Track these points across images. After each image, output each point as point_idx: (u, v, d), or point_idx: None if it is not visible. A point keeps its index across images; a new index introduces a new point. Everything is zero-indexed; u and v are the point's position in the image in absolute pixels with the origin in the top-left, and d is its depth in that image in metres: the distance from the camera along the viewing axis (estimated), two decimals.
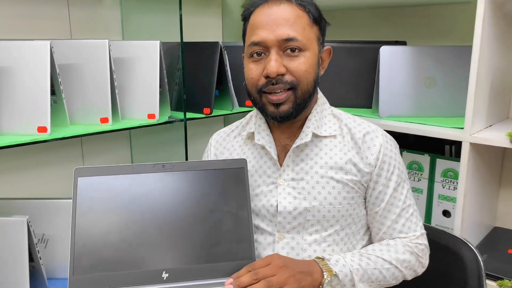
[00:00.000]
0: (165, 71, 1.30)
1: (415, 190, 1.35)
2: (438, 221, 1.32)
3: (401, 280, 0.87)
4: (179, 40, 1.30)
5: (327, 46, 0.91)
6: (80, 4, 1.35)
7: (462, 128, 1.10)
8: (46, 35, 1.28)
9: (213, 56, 1.37)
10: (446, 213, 1.30)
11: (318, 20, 0.86)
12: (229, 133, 1.01)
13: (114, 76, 1.18)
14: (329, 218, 0.87)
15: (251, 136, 0.95)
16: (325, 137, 0.89)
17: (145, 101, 1.27)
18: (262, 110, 0.88)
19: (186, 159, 1.42)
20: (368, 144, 0.88)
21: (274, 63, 0.81)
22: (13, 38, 1.20)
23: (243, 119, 1.02)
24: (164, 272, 0.79)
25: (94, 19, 1.39)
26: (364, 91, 1.43)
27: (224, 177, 0.86)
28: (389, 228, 0.89)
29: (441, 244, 1.02)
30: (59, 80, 1.09)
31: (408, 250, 0.87)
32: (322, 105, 0.93)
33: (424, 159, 1.33)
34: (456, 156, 1.31)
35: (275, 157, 0.89)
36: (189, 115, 1.38)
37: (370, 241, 0.94)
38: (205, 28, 1.73)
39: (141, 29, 1.48)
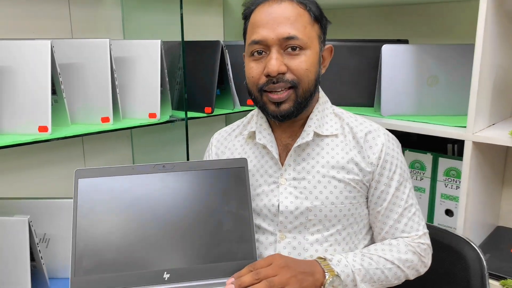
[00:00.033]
0: (166, 70, 1.29)
1: (417, 189, 1.35)
2: (440, 220, 1.31)
3: (403, 280, 0.87)
4: (180, 39, 1.30)
5: (329, 45, 0.91)
6: (81, 3, 1.35)
7: (465, 126, 1.09)
8: (47, 34, 1.28)
9: (214, 55, 1.37)
10: (448, 212, 1.30)
11: (319, 18, 0.85)
12: (230, 133, 1.00)
13: (115, 75, 1.18)
14: (331, 217, 0.86)
15: (252, 135, 0.94)
16: (326, 136, 0.89)
17: (146, 100, 1.27)
18: (263, 109, 0.87)
19: (187, 158, 1.42)
20: (370, 143, 0.88)
21: (275, 62, 0.81)
22: (14, 37, 1.20)
23: (244, 118, 1.02)
24: (165, 272, 0.79)
25: (95, 18, 1.39)
26: (366, 90, 1.43)
27: (225, 177, 0.86)
28: (392, 227, 0.88)
29: (443, 244, 1.01)
30: (60, 79, 1.09)
31: (410, 250, 0.86)
32: (323, 104, 0.92)
33: (426, 158, 1.32)
34: (459, 155, 1.31)
35: (277, 156, 0.89)
36: (190, 114, 1.38)
37: (372, 241, 0.93)
38: (206, 27, 1.73)
39: (142, 28, 1.48)
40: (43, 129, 1.05)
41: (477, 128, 1.08)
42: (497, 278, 1.08)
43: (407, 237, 0.88)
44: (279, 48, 0.82)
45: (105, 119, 1.18)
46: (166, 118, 1.31)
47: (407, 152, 1.36)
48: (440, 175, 1.30)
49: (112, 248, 0.79)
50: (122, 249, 0.79)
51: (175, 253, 0.80)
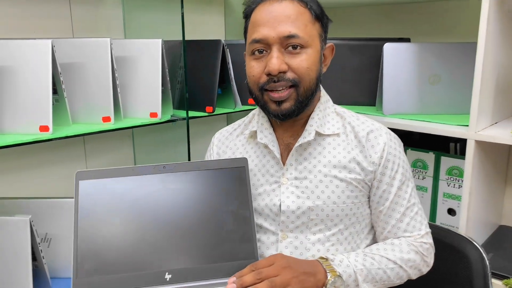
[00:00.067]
0: (167, 70, 1.29)
1: (419, 188, 1.34)
2: (443, 219, 1.31)
3: (405, 280, 0.86)
4: (181, 38, 1.29)
5: (330, 43, 0.90)
6: (81, 3, 1.35)
7: (467, 125, 1.09)
8: (47, 34, 1.28)
9: (215, 54, 1.37)
10: (451, 212, 1.29)
11: (320, 16, 0.85)
12: (231, 132, 1.00)
13: (116, 74, 1.18)
14: (333, 217, 0.86)
15: (253, 134, 0.94)
16: (328, 135, 0.89)
17: (147, 99, 1.27)
18: (264, 108, 0.87)
19: (189, 157, 1.42)
20: (372, 143, 0.87)
21: (275, 61, 0.80)
22: (15, 37, 1.19)
23: (245, 117, 1.01)
24: (167, 273, 0.79)
25: (96, 17, 1.39)
26: (368, 88, 1.42)
27: (225, 177, 0.85)
28: (394, 227, 0.88)
29: (446, 243, 1.01)
30: (61, 79, 1.09)
31: (413, 250, 0.86)
32: (325, 103, 0.92)
33: (428, 157, 1.31)
34: (461, 153, 1.30)
35: (278, 156, 0.89)
36: (192, 113, 1.37)
37: (374, 240, 0.93)
38: (207, 26, 1.73)
39: (143, 28, 1.48)
40: (44, 128, 1.05)
41: (479, 127, 1.08)
42: (500, 277, 1.07)
43: (409, 236, 0.88)
44: (280, 46, 0.81)
45: (106, 119, 1.18)
46: (167, 117, 1.31)
47: (409, 151, 1.35)
48: (443, 174, 1.29)
49: (114, 250, 0.79)
50: (124, 250, 0.79)
51: (177, 253, 0.80)
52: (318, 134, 0.88)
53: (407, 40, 1.41)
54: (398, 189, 0.87)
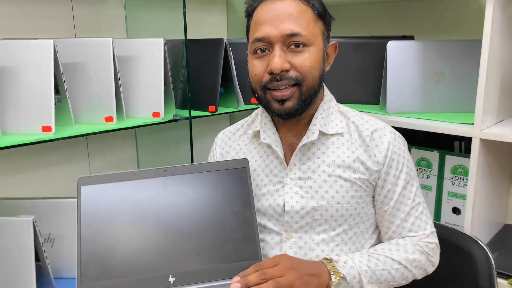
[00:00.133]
0: (169, 69, 1.29)
1: (424, 187, 1.33)
2: (447, 218, 1.30)
3: (411, 280, 0.86)
4: (183, 38, 1.29)
5: (333, 41, 0.89)
6: (83, 3, 1.34)
7: (472, 123, 1.08)
8: (50, 34, 1.28)
9: (217, 53, 1.36)
10: (456, 211, 1.28)
11: (323, 14, 0.84)
12: (234, 132, 1.00)
13: (118, 74, 1.18)
14: (337, 217, 0.85)
15: (257, 134, 0.93)
16: (332, 135, 0.88)
17: (150, 99, 1.26)
18: (267, 107, 0.87)
19: (192, 157, 1.41)
20: (376, 142, 0.87)
21: (278, 59, 0.80)
22: (17, 37, 1.19)
23: (248, 117, 1.01)
24: (171, 276, 0.79)
25: (98, 17, 1.39)
26: (371, 87, 1.41)
27: (227, 178, 0.85)
28: (399, 227, 0.87)
29: (451, 242, 1.00)
30: (63, 79, 1.09)
31: (418, 250, 0.85)
32: (328, 102, 0.91)
33: (433, 156, 1.31)
34: (466, 152, 1.29)
35: (282, 156, 0.88)
36: (194, 113, 1.37)
37: (378, 240, 0.92)
38: (210, 25, 1.73)
39: (145, 27, 1.48)
40: (46, 129, 1.05)
41: (484, 125, 1.07)
42: (506, 277, 1.06)
43: (414, 236, 0.87)
44: (282, 45, 0.81)
45: (108, 119, 1.18)
46: (170, 117, 1.31)
47: (413, 149, 1.34)
48: (447, 173, 1.28)
49: (117, 254, 0.79)
50: (127, 255, 0.79)
51: (180, 256, 0.80)
52: (321, 133, 0.88)
53: (411, 38, 1.40)
54: (403, 189, 0.87)
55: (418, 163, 1.34)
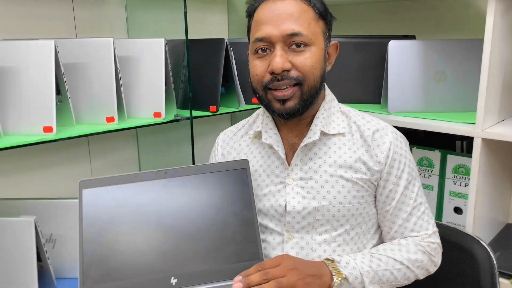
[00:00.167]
0: (170, 69, 1.29)
1: (425, 187, 1.33)
2: (449, 218, 1.30)
3: (413, 280, 0.86)
4: (184, 38, 1.29)
5: (334, 41, 0.89)
6: (84, 3, 1.34)
7: (474, 123, 1.08)
8: (51, 34, 1.28)
9: (218, 53, 1.36)
10: (457, 210, 1.28)
11: (324, 14, 0.84)
12: (236, 132, 1.00)
13: (120, 74, 1.18)
14: (339, 217, 0.85)
15: (258, 135, 0.93)
16: (333, 135, 0.88)
17: (151, 99, 1.26)
18: (268, 107, 0.86)
19: (193, 157, 1.41)
20: (378, 142, 0.86)
21: (279, 59, 0.80)
22: (18, 37, 1.20)
23: (249, 117, 1.01)
24: (172, 277, 0.79)
25: (99, 17, 1.39)
26: (373, 86, 1.41)
27: (227, 179, 0.86)
28: (401, 227, 0.87)
29: (452, 242, 1.00)
30: (64, 79, 1.09)
31: (420, 250, 0.85)
32: (330, 102, 0.91)
33: (434, 155, 1.30)
34: (468, 151, 1.29)
35: (283, 156, 0.88)
36: (195, 113, 1.37)
37: (380, 240, 0.92)
38: (211, 25, 1.72)
39: (146, 27, 1.48)
40: (48, 129, 1.05)
41: (486, 125, 1.07)
42: (508, 276, 1.06)
43: (416, 236, 0.87)
44: (283, 45, 0.81)
45: (110, 119, 1.18)
46: (171, 117, 1.31)
47: (414, 149, 1.34)
48: (449, 173, 1.28)
49: (119, 256, 0.80)
50: (129, 257, 0.80)
51: (182, 257, 0.81)
52: (323, 133, 0.87)
53: (412, 37, 1.40)
54: (405, 189, 0.86)
55: (419, 163, 1.34)
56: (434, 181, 1.32)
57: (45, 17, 1.27)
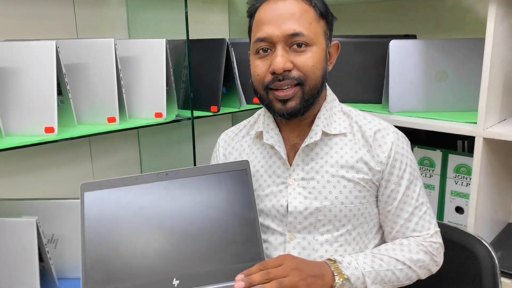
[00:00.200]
0: (171, 69, 1.29)
1: (426, 186, 1.33)
2: (450, 217, 1.30)
3: (415, 280, 0.86)
4: (185, 38, 1.29)
5: (335, 41, 0.89)
6: (85, 4, 1.35)
7: (475, 122, 1.08)
8: (52, 35, 1.28)
9: (219, 53, 1.36)
10: (459, 210, 1.28)
11: (325, 14, 0.84)
12: (237, 133, 1.00)
13: (121, 75, 1.18)
14: (341, 217, 0.85)
15: (259, 135, 0.93)
16: (335, 135, 0.88)
17: (152, 100, 1.26)
18: (269, 107, 0.86)
19: (194, 157, 1.41)
20: (379, 142, 0.86)
21: (280, 59, 0.80)
22: (19, 38, 1.20)
23: (250, 118, 1.01)
24: (174, 279, 0.79)
25: (100, 18, 1.39)
26: (374, 86, 1.41)
27: (228, 180, 0.86)
28: (402, 227, 0.87)
29: (454, 241, 1.00)
30: (66, 80, 1.09)
31: (422, 250, 0.85)
32: (331, 102, 0.91)
33: (435, 155, 1.30)
34: (469, 151, 1.29)
35: (285, 156, 0.88)
36: (196, 113, 1.37)
37: (382, 240, 0.92)
38: (212, 25, 1.72)
39: (147, 27, 1.48)
40: (49, 130, 1.05)
41: (487, 124, 1.07)
42: (509, 276, 1.06)
43: (418, 236, 0.87)
44: (284, 45, 0.81)
45: (111, 119, 1.18)
46: (172, 117, 1.31)
47: (416, 149, 1.34)
48: (450, 172, 1.28)
49: (121, 258, 0.80)
50: (131, 259, 0.80)
51: (184, 259, 0.81)
52: (324, 134, 0.87)
53: (413, 37, 1.40)
54: (406, 189, 0.86)
55: (420, 162, 1.34)
56: (436, 180, 1.31)
57: (46, 18, 1.27)
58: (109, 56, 1.15)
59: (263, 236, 0.89)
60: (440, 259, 0.88)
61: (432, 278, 0.89)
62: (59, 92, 1.09)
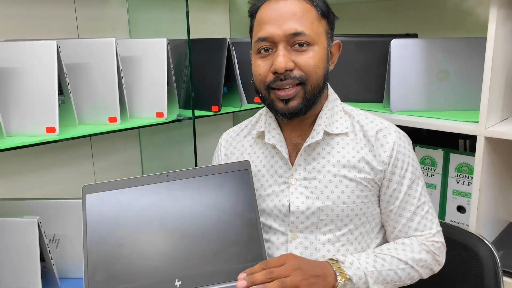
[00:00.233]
0: (172, 69, 1.29)
1: (428, 185, 1.33)
2: (452, 217, 1.29)
3: (417, 279, 0.85)
4: (186, 37, 1.29)
5: (337, 40, 0.89)
6: (86, 3, 1.35)
7: (477, 121, 1.08)
8: (53, 35, 1.28)
9: (220, 52, 1.36)
10: (460, 209, 1.28)
11: (326, 13, 0.84)
12: (238, 133, 1.00)
13: (122, 74, 1.18)
14: (343, 217, 0.85)
15: (261, 135, 0.93)
16: (337, 135, 0.88)
17: (153, 99, 1.26)
18: (271, 107, 0.86)
19: (195, 157, 1.41)
20: (381, 142, 0.86)
21: (282, 59, 0.80)
22: (20, 38, 1.20)
23: (252, 117, 1.01)
24: (177, 280, 0.79)
25: (100, 18, 1.39)
26: (375, 85, 1.41)
27: (229, 181, 0.86)
28: (404, 226, 0.87)
29: (456, 241, 1.00)
30: (67, 80, 1.09)
31: (424, 249, 0.85)
32: (333, 101, 0.91)
33: (437, 154, 1.30)
34: (471, 150, 1.29)
35: (286, 156, 0.88)
36: (198, 113, 1.37)
37: (384, 239, 0.92)
38: (213, 25, 1.72)
39: (148, 27, 1.48)
40: (50, 130, 1.05)
41: (489, 123, 1.06)
42: (511, 275, 1.06)
43: (420, 235, 0.87)
44: (286, 44, 0.81)
45: (112, 119, 1.18)
46: (174, 117, 1.31)
47: (417, 148, 1.34)
48: (452, 171, 1.28)
49: (124, 260, 0.80)
50: (133, 260, 0.80)
51: (186, 260, 0.81)
52: (326, 133, 0.87)
53: (414, 36, 1.40)
54: (408, 188, 0.86)
55: (422, 162, 1.34)
56: (437, 180, 1.31)
57: (47, 18, 1.27)
58: (110, 56, 1.15)
59: (265, 236, 0.89)
60: (442, 259, 0.88)
61: (434, 277, 0.89)
62: (60, 92, 1.09)
